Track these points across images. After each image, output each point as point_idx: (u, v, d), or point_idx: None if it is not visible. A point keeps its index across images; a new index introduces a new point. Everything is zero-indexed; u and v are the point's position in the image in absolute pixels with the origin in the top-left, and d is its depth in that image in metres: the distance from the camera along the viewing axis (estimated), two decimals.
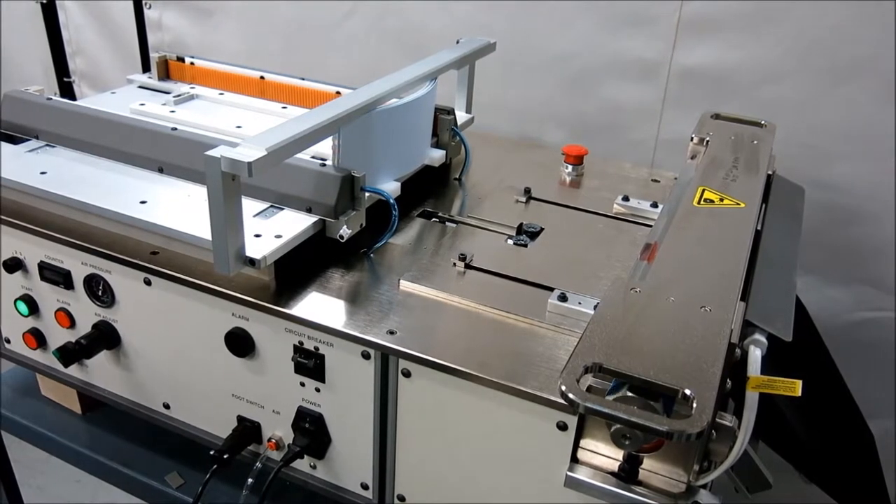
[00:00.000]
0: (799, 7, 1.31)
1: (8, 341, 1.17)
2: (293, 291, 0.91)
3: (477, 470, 0.86)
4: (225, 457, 0.95)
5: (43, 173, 1.06)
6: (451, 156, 1.22)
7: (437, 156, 1.18)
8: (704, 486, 0.76)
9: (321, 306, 0.89)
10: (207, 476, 0.94)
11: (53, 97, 1.26)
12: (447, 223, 1.11)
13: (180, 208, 0.99)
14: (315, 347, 0.89)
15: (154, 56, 1.43)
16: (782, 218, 1.06)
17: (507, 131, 1.61)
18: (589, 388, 0.72)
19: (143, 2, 1.94)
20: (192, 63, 1.42)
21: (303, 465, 0.98)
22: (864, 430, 1.21)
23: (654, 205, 1.14)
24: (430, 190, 1.20)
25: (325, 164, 0.98)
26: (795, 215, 1.10)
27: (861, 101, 1.33)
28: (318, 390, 0.91)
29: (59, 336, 1.08)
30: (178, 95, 1.35)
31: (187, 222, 0.95)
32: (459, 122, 1.24)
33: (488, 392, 0.79)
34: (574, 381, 0.66)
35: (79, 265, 1.01)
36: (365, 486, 0.95)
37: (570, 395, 0.65)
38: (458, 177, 1.26)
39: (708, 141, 1.17)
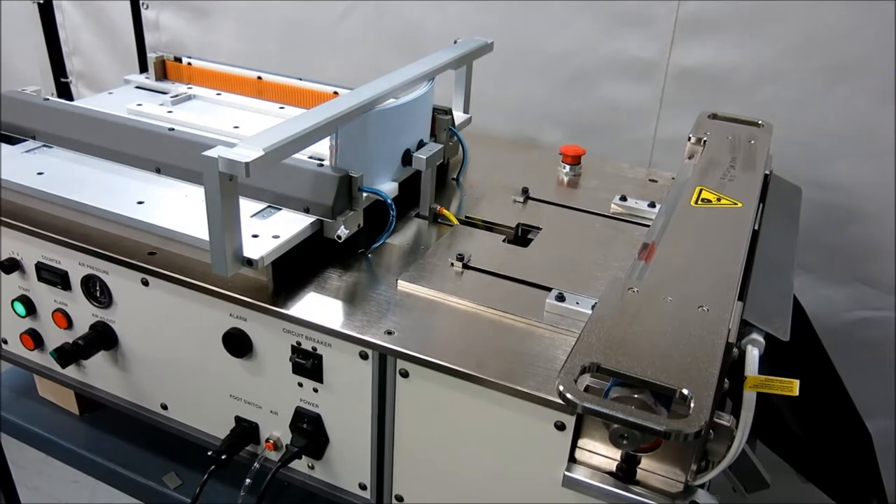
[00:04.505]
0: (796, 7, 1.32)
1: (5, 342, 1.17)
2: (291, 292, 0.91)
3: (475, 470, 0.86)
4: (223, 457, 0.95)
5: (40, 174, 1.06)
6: (449, 156, 1.22)
7: None
8: (702, 486, 0.76)
9: (319, 306, 0.89)
10: (205, 477, 0.94)
11: (50, 97, 1.26)
12: (444, 223, 1.11)
13: (178, 209, 0.99)
14: (313, 348, 0.89)
15: (151, 56, 1.43)
16: (779, 218, 1.06)
17: (505, 131, 1.61)
18: (587, 388, 0.72)
19: (141, 2, 1.94)
20: (189, 63, 1.42)
21: (301, 465, 0.98)
22: (862, 429, 1.22)
23: (652, 204, 1.14)
24: None
25: (322, 165, 0.98)
26: (792, 215, 1.10)
27: (859, 100, 1.33)
28: (315, 391, 0.91)
29: (56, 337, 1.08)
30: (176, 96, 1.35)
31: (185, 223, 0.95)
32: (457, 122, 1.24)
33: (486, 392, 0.79)
34: (572, 380, 0.66)
35: (76, 266, 1.01)
36: (363, 487, 0.95)
37: (568, 395, 0.65)
38: (455, 177, 1.26)
39: (705, 141, 1.17)
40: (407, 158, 1.08)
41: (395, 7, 1.65)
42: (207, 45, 1.91)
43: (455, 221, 1.10)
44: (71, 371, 1.11)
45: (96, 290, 1.02)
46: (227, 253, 0.84)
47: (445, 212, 1.11)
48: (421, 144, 1.11)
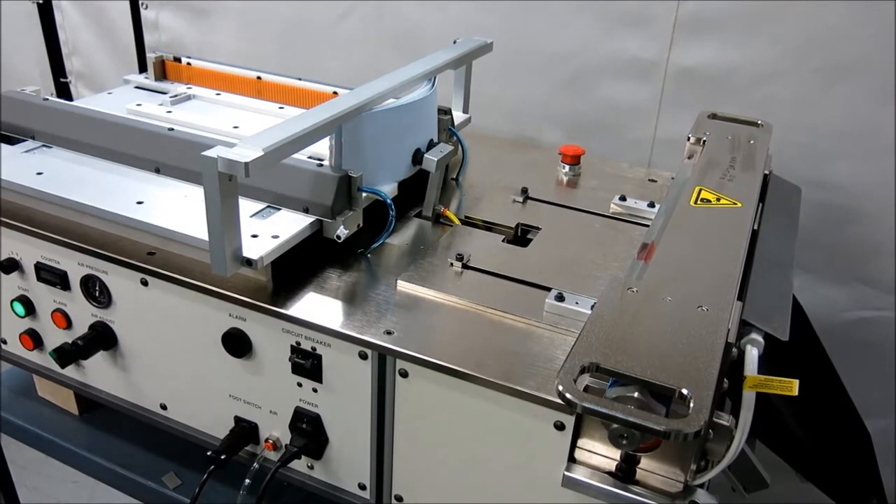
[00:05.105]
0: (796, 6, 1.32)
1: (4, 342, 1.17)
2: (290, 292, 0.91)
3: (474, 470, 0.86)
4: (222, 457, 0.95)
5: (39, 174, 1.06)
6: None
7: None
8: (701, 486, 0.76)
9: (318, 307, 0.89)
10: (204, 477, 0.94)
11: (50, 98, 1.26)
12: (446, 223, 1.11)
13: (177, 209, 0.99)
14: (312, 348, 0.89)
15: (151, 56, 1.43)
16: (779, 217, 1.06)
17: (505, 131, 1.61)
18: (586, 388, 0.72)
19: (140, 2, 1.94)
20: (188, 63, 1.42)
21: (300, 465, 0.97)
22: (861, 428, 1.22)
23: (651, 204, 1.14)
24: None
25: (322, 165, 0.98)
26: (792, 215, 1.10)
27: (859, 100, 1.33)
28: (315, 391, 0.91)
29: (55, 337, 1.08)
30: (175, 96, 1.35)
31: (184, 223, 0.95)
32: (456, 122, 1.24)
33: (486, 392, 0.79)
34: (571, 380, 0.66)
35: (75, 266, 1.01)
36: (362, 487, 0.95)
37: (568, 395, 0.65)
38: (455, 177, 1.26)
39: (705, 141, 1.17)
40: (417, 158, 1.08)
41: (395, 7, 1.65)
42: (207, 46, 1.91)
43: (457, 222, 1.10)
44: (70, 371, 1.11)
45: (95, 290, 1.02)
46: (226, 253, 0.84)
47: (448, 212, 1.11)
48: (431, 144, 1.10)
